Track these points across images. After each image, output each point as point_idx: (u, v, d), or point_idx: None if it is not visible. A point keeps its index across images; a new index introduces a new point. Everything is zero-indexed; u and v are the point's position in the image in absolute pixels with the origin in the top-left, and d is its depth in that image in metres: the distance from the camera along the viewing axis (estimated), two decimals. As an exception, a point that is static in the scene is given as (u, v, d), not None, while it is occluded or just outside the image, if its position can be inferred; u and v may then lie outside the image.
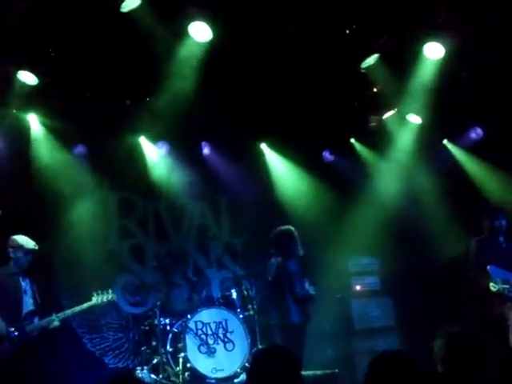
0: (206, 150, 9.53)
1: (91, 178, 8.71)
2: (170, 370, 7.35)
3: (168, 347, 7.45)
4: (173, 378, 7.29)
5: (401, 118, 8.98)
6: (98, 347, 8.59)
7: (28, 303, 6.44)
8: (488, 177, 9.06)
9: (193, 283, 9.06)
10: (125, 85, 7.74)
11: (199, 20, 6.71)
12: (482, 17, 6.84)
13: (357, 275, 9.75)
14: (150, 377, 7.25)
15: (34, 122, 8.11)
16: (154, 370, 7.36)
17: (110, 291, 6.90)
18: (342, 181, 9.75)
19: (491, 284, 6.86)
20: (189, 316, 7.48)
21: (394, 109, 8.89)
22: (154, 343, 7.51)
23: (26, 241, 6.49)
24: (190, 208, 9.67)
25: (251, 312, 7.62)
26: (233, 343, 7.47)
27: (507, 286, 6.83)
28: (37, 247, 6.53)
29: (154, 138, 9.06)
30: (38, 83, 7.29)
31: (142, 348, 7.68)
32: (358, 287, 9.70)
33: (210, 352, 7.35)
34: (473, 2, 6.72)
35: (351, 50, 7.38)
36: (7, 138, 8.06)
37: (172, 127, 8.46)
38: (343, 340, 9.26)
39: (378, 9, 6.69)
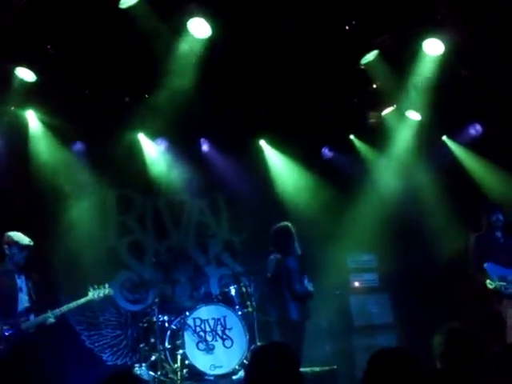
0: (205, 147, 9.52)
1: (90, 175, 8.66)
2: (168, 366, 7.33)
3: (166, 344, 7.42)
4: (171, 375, 7.26)
5: (400, 115, 8.98)
6: (96, 344, 8.57)
7: (23, 300, 6.41)
8: (487, 173, 9.06)
9: (193, 280, 9.05)
10: (124, 82, 7.72)
11: (198, 16, 6.71)
12: (482, 13, 6.83)
13: (355, 272, 9.75)
14: (149, 374, 7.23)
15: (33, 119, 8.09)
16: (153, 366, 7.33)
17: (106, 285, 6.87)
18: (341, 177, 9.74)
19: (488, 281, 6.87)
20: (187, 313, 7.45)
21: (393, 105, 8.90)
22: (152, 340, 7.49)
23: (20, 237, 6.45)
24: (189, 204, 9.65)
25: (250, 309, 7.60)
26: (231, 340, 7.43)
27: (504, 283, 6.85)
28: (32, 243, 6.48)
29: (153, 135, 9.05)
30: (37, 80, 7.28)
31: (141, 345, 7.66)
32: (356, 284, 9.70)
33: (209, 349, 7.32)
34: (472, -1, 6.73)
35: (351, 46, 7.37)
36: (5, 136, 8.05)
37: (171, 124, 8.43)
38: (342, 337, 9.24)
39: (378, 5, 6.68)
